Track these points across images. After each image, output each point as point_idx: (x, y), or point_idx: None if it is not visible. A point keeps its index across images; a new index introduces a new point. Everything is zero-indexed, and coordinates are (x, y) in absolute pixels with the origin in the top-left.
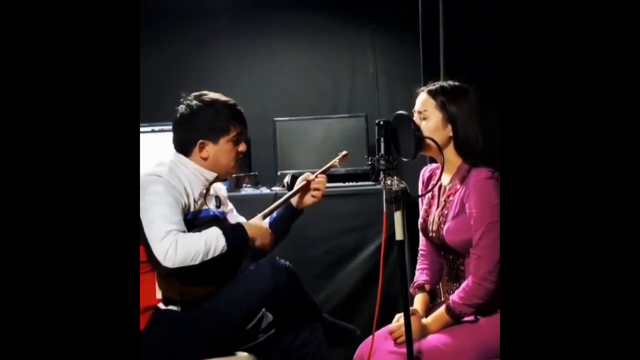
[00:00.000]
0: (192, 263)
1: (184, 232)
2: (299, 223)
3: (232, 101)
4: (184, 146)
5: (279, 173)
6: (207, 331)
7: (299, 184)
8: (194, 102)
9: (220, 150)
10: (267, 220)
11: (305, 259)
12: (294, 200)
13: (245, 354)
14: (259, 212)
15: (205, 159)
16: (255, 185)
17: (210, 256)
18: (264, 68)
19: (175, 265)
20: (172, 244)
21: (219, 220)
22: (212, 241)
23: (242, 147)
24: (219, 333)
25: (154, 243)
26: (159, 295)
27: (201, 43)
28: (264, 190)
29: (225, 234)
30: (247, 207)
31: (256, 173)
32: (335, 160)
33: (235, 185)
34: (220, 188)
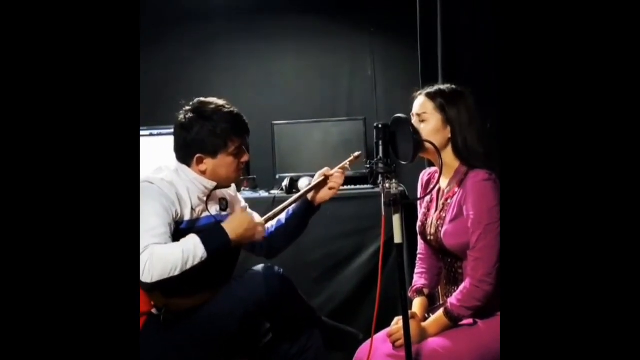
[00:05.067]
0: (172, 274)
1: (165, 243)
2: None
3: (234, 112)
4: (182, 157)
5: (277, 176)
6: (201, 338)
7: (316, 179)
8: (191, 115)
9: (220, 163)
10: (283, 215)
11: (305, 262)
12: (310, 195)
13: None
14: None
15: (203, 172)
16: (254, 188)
17: (189, 265)
18: (262, 72)
19: (155, 279)
20: (149, 259)
21: None
22: (190, 250)
23: (244, 158)
24: (213, 340)
25: None
26: None
27: (199, 46)
28: (263, 193)
29: (203, 240)
30: None
31: (254, 176)
32: (346, 162)
33: None
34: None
